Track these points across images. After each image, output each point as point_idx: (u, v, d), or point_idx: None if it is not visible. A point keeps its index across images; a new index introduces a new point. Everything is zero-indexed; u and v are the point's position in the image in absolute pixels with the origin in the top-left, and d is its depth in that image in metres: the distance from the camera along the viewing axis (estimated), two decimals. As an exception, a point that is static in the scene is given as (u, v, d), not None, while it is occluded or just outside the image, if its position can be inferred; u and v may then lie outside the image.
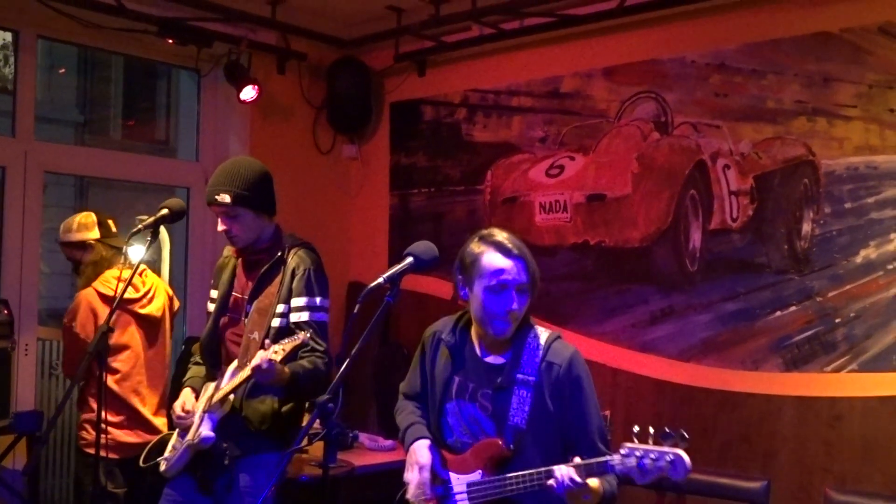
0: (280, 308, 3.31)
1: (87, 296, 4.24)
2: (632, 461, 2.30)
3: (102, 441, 4.02)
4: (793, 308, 4.19)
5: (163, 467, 3.44)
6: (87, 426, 4.18)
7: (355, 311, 2.51)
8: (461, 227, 5.37)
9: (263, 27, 5.44)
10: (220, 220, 3.36)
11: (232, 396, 3.28)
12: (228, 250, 3.60)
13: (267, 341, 3.13)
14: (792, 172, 4.22)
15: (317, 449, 3.95)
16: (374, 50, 5.82)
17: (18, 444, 4.65)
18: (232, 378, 3.27)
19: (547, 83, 5.12)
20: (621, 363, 4.70)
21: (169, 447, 3.47)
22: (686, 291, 4.54)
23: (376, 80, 5.90)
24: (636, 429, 2.36)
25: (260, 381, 3.20)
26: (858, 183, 4.03)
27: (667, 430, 2.29)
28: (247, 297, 3.41)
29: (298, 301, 3.30)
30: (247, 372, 3.18)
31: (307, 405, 3.44)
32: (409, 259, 2.64)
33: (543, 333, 2.71)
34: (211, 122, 5.75)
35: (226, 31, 5.28)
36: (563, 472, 2.41)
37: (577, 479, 2.40)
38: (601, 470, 2.39)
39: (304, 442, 2.52)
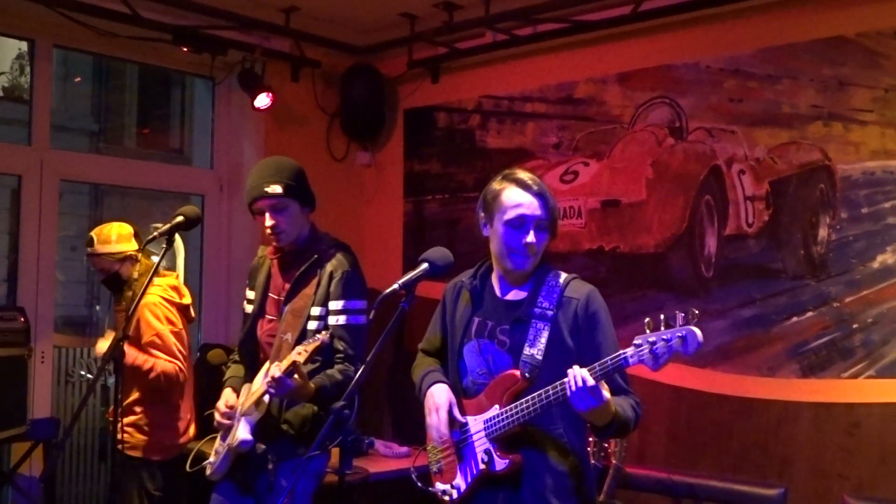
0: (316, 311, 3.28)
1: (151, 302, 4.14)
2: (645, 349, 2.28)
3: (145, 443, 4.11)
4: (809, 314, 4.17)
5: (208, 471, 3.47)
6: (131, 430, 4.14)
7: (370, 317, 2.52)
8: (475, 234, 5.35)
9: (277, 35, 5.45)
10: (267, 215, 3.29)
11: (267, 398, 3.26)
12: (263, 250, 3.57)
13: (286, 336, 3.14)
14: (808, 177, 4.20)
15: (334, 455, 3.96)
16: (388, 57, 5.83)
17: (35, 450, 4.68)
18: (264, 381, 3.25)
19: (561, 89, 5.11)
20: (636, 370, 4.63)
21: (213, 451, 3.49)
22: (701, 297, 4.51)
23: (390, 87, 5.91)
24: (647, 320, 2.32)
25: (278, 396, 3.18)
26: (875, 188, 4.00)
27: (676, 312, 2.26)
28: (282, 298, 3.38)
29: (336, 304, 3.27)
30: (262, 388, 3.19)
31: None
32: (424, 265, 2.66)
33: (563, 274, 2.73)
34: (225, 129, 5.78)
35: (240, 39, 5.30)
36: (577, 371, 2.37)
37: (591, 380, 2.35)
38: (616, 366, 2.36)
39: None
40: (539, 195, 2.65)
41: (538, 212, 2.64)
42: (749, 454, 4.30)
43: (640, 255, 4.75)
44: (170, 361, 4.06)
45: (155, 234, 3.38)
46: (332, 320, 3.26)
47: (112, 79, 12.20)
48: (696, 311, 2.25)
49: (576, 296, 2.65)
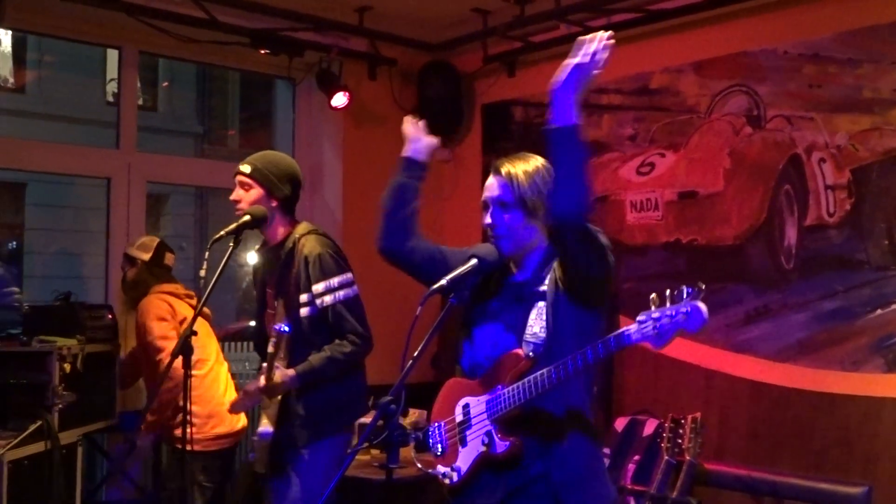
0: (303, 297, 3.42)
1: (149, 303, 4.32)
2: (648, 326, 2.20)
3: (198, 436, 4.16)
4: (894, 306, 4.01)
5: (257, 467, 3.59)
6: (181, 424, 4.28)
7: (417, 313, 2.51)
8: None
9: (353, 34, 5.52)
10: (234, 191, 3.52)
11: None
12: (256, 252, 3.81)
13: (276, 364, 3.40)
14: (891, 164, 4.05)
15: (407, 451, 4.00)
16: (463, 53, 5.84)
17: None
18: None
19: (636, 80, 5.04)
20: (715, 364, 4.58)
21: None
22: (782, 290, 4.40)
23: (466, 82, 5.91)
24: (653, 296, 2.22)
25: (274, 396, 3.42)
26: (962, 173, 3.83)
27: (683, 287, 2.16)
28: (274, 292, 3.54)
29: (318, 287, 3.40)
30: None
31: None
32: (473, 261, 2.63)
33: None
34: (305, 129, 5.89)
35: (317, 40, 5.39)
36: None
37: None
38: (619, 344, 2.28)
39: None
40: (502, 176, 2.61)
41: (496, 192, 2.61)
42: (831, 451, 4.17)
43: (719, 248, 4.64)
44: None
45: (222, 232, 3.45)
46: (318, 303, 3.40)
47: (215, 83, 12.58)
48: (702, 286, 2.14)
49: (555, 264, 2.57)
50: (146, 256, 4.42)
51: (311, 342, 3.39)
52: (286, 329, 3.36)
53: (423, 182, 2.88)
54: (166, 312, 4.28)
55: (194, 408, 4.23)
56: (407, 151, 2.90)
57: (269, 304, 3.59)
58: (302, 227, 3.56)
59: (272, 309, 3.56)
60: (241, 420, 4.41)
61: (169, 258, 4.51)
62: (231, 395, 4.40)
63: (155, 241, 4.51)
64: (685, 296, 2.16)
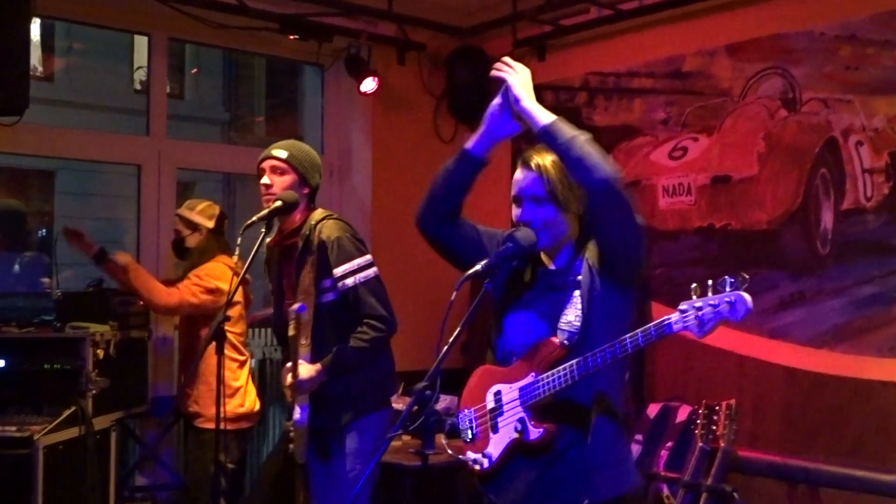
0: (324, 283, 3.42)
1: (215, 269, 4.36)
2: (690, 315, 2.18)
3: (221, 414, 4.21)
4: (933, 292, 3.96)
5: (297, 458, 3.57)
6: (204, 402, 4.28)
7: (452, 298, 2.49)
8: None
9: (382, 19, 5.49)
10: (266, 175, 3.49)
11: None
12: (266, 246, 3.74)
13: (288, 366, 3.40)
14: (931, 147, 3.98)
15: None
16: (493, 37, 5.79)
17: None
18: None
19: (668, 63, 4.98)
20: (749, 350, 4.53)
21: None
22: (817, 275, 4.34)
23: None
24: (694, 285, 2.20)
25: (304, 392, 3.40)
26: None
27: (726, 277, 2.15)
28: (293, 280, 3.52)
29: (339, 271, 3.40)
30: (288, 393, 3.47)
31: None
32: (509, 245, 2.62)
33: None
34: (334, 115, 5.88)
35: (345, 25, 5.37)
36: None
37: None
38: (659, 333, 2.26)
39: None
40: (533, 170, 2.59)
41: (528, 187, 2.60)
42: (867, 438, 4.12)
43: (753, 233, 4.59)
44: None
45: (254, 218, 3.44)
46: (340, 286, 3.40)
47: (241, 70, 12.60)
48: (747, 276, 2.13)
49: (587, 253, 2.56)
50: (210, 224, 4.46)
51: (333, 327, 3.39)
52: (303, 308, 3.36)
53: (478, 176, 2.78)
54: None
55: (205, 386, 4.26)
56: (472, 141, 2.77)
57: (288, 295, 3.57)
58: (318, 213, 3.54)
59: (290, 299, 3.54)
60: (257, 403, 4.46)
61: (225, 226, 4.57)
62: (246, 376, 4.45)
63: (216, 208, 4.54)
64: (728, 286, 2.14)
